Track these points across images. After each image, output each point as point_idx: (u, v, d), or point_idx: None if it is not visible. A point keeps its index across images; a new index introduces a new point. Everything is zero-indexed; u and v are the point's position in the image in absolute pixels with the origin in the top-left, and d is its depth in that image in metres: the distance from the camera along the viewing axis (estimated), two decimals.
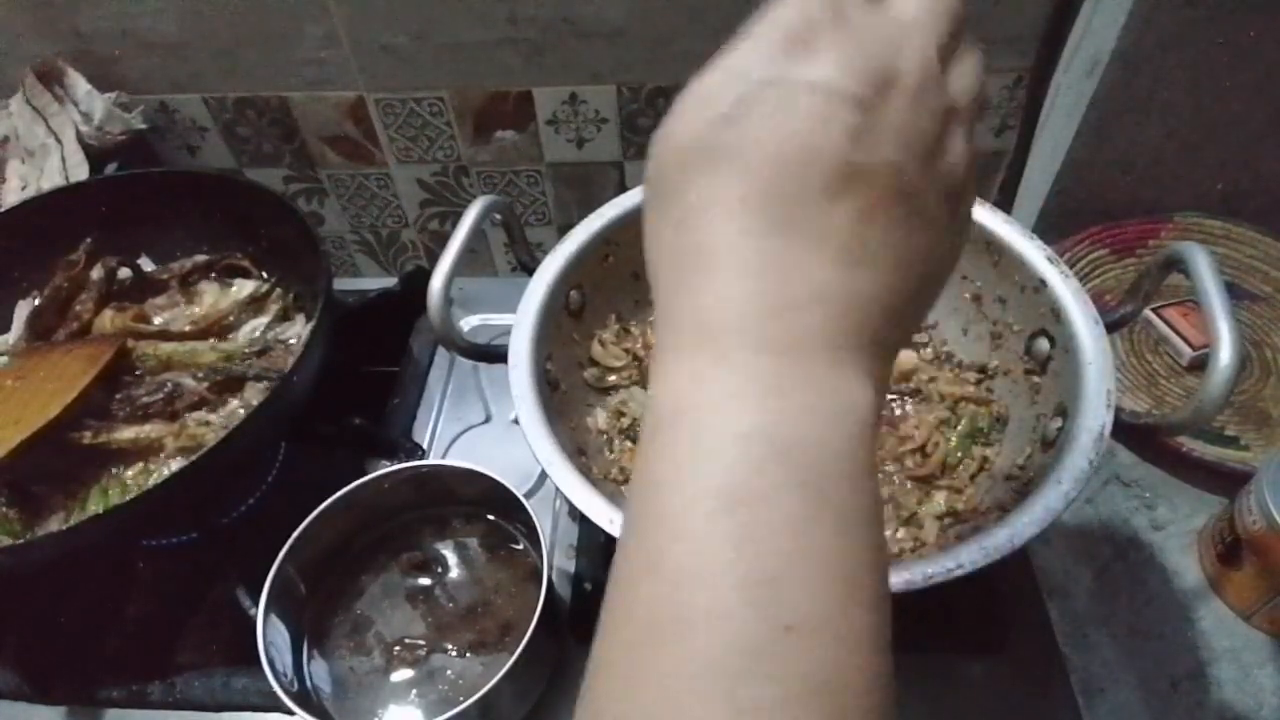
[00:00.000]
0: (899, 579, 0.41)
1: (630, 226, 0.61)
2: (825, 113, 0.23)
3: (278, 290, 0.72)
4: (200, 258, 0.74)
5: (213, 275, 0.74)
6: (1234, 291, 0.72)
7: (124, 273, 0.72)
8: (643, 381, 0.60)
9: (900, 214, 0.24)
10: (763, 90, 0.24)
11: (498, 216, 0.59)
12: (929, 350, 0.64)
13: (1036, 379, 0.55)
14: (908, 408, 0.61)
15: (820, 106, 0.23)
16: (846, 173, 0.23)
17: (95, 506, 0.58)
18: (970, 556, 0.41)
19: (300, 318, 0.71)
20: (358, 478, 0.56)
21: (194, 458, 0.54)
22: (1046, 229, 0.78)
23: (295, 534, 0.54)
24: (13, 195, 0.77)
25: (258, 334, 0.69)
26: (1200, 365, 0.71)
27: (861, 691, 0.20)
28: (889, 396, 0.62)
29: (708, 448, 0.22)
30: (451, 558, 0.59)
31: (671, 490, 0.22)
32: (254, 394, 0.64)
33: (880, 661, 0.21)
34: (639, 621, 0.22)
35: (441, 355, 0.80)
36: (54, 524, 0.58)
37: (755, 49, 0.25)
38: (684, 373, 0.23)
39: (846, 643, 0.20)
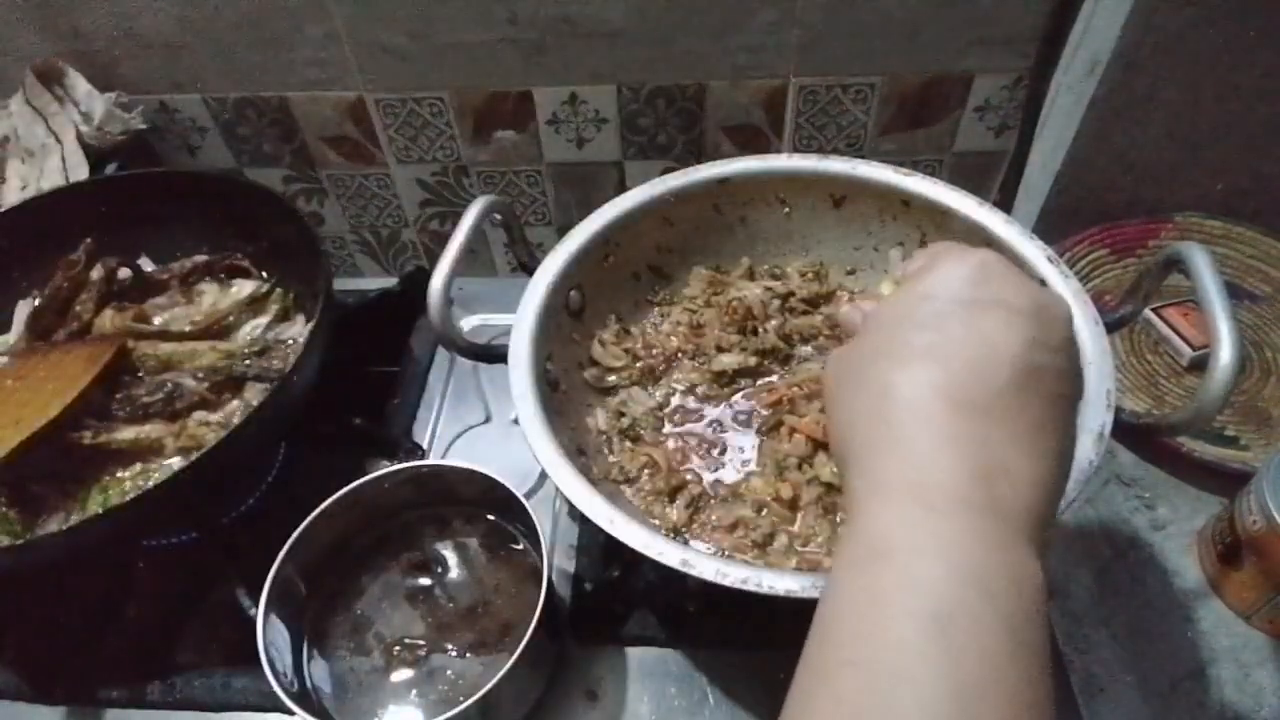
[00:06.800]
0: None
1: (630, 227, 0.61)
2: (1009, 322, 0.30)
3: (278, 290, 0.72)
4: (200, 258, 0.74)
5: (213, 275, 0.74)
6: (1234, 291, 0.72)
7: (124, 273, 0.72)
8: (642, 382, 0.60)
9: (1063, 409, 0.30)
10: (955, 308, 0.31)
11: (498, 216, 0.59)
12: None
13: None
14: None
15: (1004, 318, 0.30)
16: (1024, 369, 0.29)
17: (95, 506, 0.58)
18: None
19: (300, 318, 0.71)
20: (358, 478, 0.56)
21: (194, 458, 0.54)
22: (1046, 229, 0.78)
23: (295, 534, 0.54)
24: (13, 195, 0.77)
25: (258, 334, 0.69)
26: (1200, 365, 0.71)
27: None
28: None
29: (919, 576, 0.26)
30: (451, 558, 0.59)
31: (886, 605, 0.26)
32: (254, 394, 0.64)
33: None
34: (843, 707, 0.25)
35: (441, 355, 0.80)
36: (54, 524, 0.58)
37: (942, 282, 0.33)
38: (892, 512, 0.28)
39: None
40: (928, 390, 0.30)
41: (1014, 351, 0.30)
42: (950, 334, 0.31)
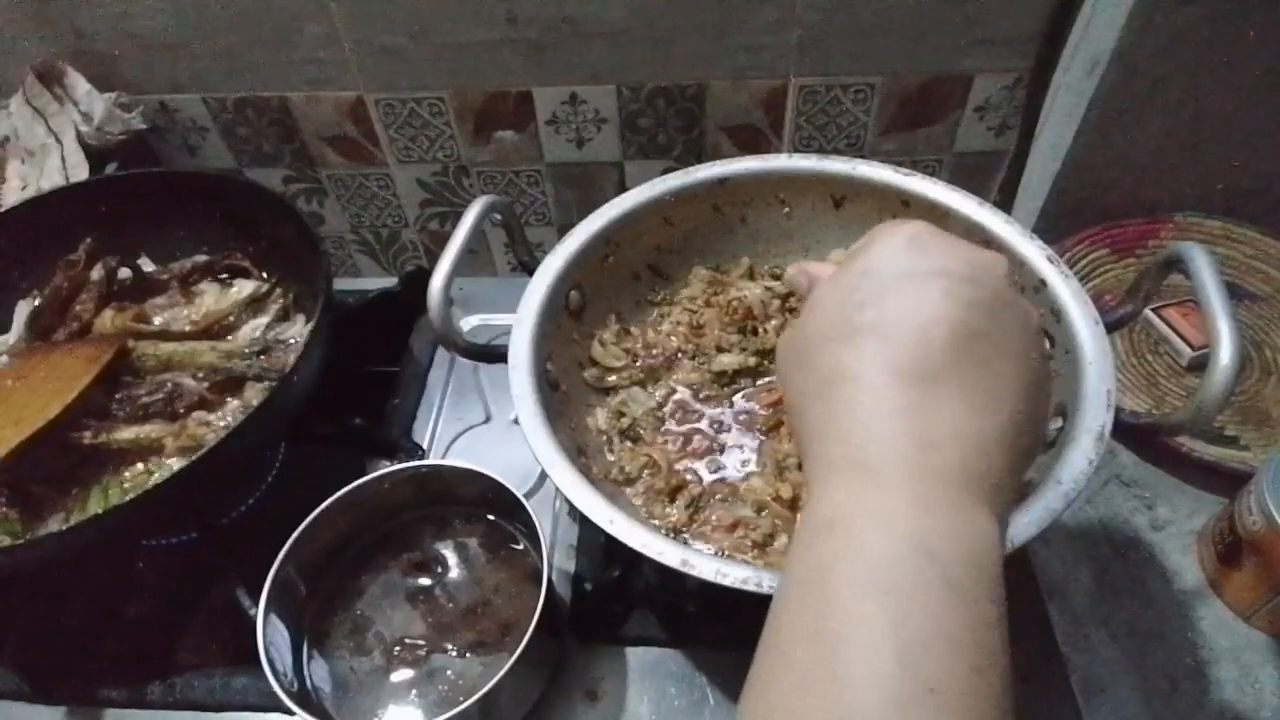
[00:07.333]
0: None
1: (630, 227, 0.61)
2: (946, 289, 0.30)
3: (278, 290, 0.72)
4: (200, 258, 0.74)
5: (213, 275, 0.74)
6: (1234, 291, 0.72)
7: (124, 273, 0.72)
8: (642, 382, 0.60)
9: (1016, 365, 0.30)
10: (893, 281, 0.31)
11: (498, 216, 0.59)
12: None
13: None
14: None
15: (943, 285, 0.30)
16: (966, 333, 0.30)
17: (95, 506, 0.58)
18: None
19: (300, 318, 0.71)
20: (358, 478, 0.56)
21: (194, 458, 0.54)
22: (1046, 229, 0.78)
23: (295, 534, 0.54)
24: (13, 195, 0.77)
25: (258, 334, 0.69)
26: (1200, 365, 0.71)
27: None
28: None
29: (867, 547, 0.27)
30: (451, 558, 0.59)
31: (832, 577, 0.27)
32: (254, 394, 0.64)
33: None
34: (795, 678, 0.26)
35: (441, 355, 0.80)
36: (54, 524, 0.58)
37: (878, 258, 0.33)
38: (841, 491, 0.29)
39: (978, 706, 0.25)
40: (873, 365, 0.30)
41: (955, 317, 0.30)
42: (891, 307, 0.31)
